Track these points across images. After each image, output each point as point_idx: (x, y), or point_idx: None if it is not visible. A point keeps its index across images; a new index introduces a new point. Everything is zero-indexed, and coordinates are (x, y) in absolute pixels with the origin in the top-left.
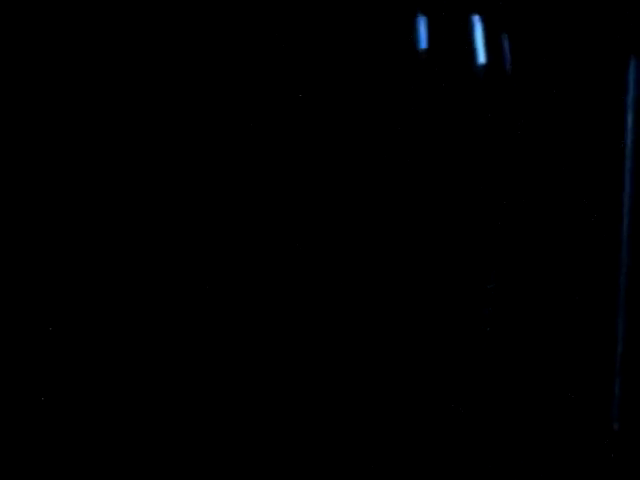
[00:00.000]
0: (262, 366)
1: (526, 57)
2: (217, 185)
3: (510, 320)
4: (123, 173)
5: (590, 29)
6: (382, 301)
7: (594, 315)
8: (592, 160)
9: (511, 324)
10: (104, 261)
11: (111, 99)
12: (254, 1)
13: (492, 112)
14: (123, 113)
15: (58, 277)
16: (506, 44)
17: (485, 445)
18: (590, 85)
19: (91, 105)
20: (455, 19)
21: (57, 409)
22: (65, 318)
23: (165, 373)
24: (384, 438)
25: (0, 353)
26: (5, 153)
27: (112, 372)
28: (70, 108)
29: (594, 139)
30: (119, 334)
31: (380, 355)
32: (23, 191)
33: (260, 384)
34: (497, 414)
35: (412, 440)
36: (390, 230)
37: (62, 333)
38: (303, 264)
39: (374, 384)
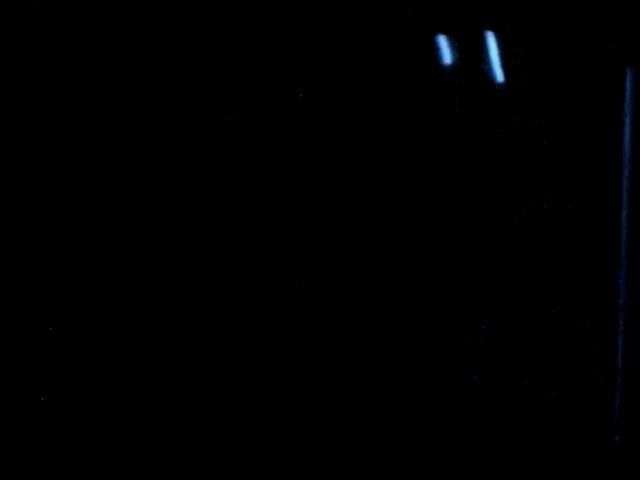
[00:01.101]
0: (262, 365)
1: (529, 70)
2: (222, 186)
3: (511, 332)
4: (123, 174)
5: (588, 41)
6: (378, 332)
7: (594, 330)
8: (591, 167)
9: (512, 336)
10: (104, 262)
11: (111, 100)
12: (278, 18)
13: (505, 122)
14: (123, 114)
15: (58, 277)
16: (520, 58)
17: (488, 457)
18: (590, 94)
19: (91, 105)
20: (471, 36)
21: (57, 409)
22: (65, 318)
23: (165, 372)
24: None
25: (0, 353)
26: (5, 153)
27: (112, 372)
28: (71, 108)
29: (593, 146)
30: (119, 334)
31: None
32: (23, 191)
33: (260, 383)
34: (499, 425)
35: (411, 454)
36: (391, 262)
37: (62, 333)
38: (292, 271)
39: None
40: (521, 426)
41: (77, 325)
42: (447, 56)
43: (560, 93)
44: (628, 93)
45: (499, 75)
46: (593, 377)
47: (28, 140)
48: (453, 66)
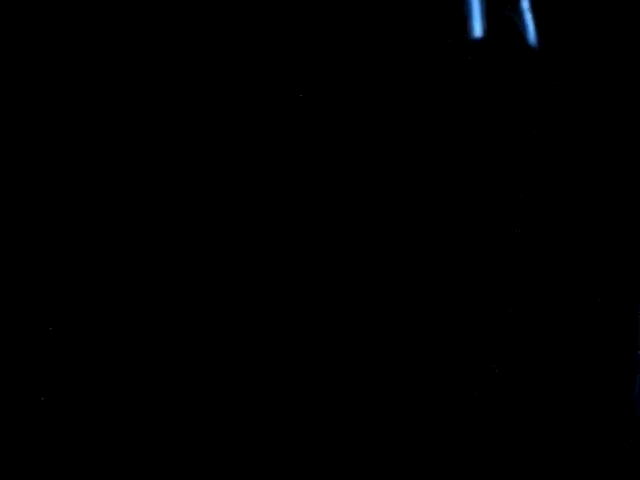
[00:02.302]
0: (262, 366)
1: (556, 40)
2: (219, 185)
3: (534, 306)
4: (123, 173)
5: (613, 16)
6: (402, 288)
7: (616, 303)
8: (616, 147)
9: (535, 310)
10: (104, 261)
11: (111, 99)
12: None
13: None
14: (123, 113)
15: (58, 277)
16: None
17: (509, 428)
18: (614, 71)
19: (91, 105)
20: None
21: (57, 409)
22: (65, 318)
23: (165, 373)
24: (398, 431)
25: (0, 353)
26: (5, 153)
27: (112, 372)
28: (70, 108)
29: (619, 124)
30: (119, 334)
31: (398, 342)
32: (23, 191)
33: (260, 384)
34: (520, 399)
35: (429, 436)
36: (417, 215)
37: (62, 333)
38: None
39: (392, 371)
40: (541, 401)
41: (77, 325)
42: (479, 20)
43: (586, 69)
44: None
45: (535, 40)
46: (615, 351)
47: (28, 140)
48: (486, 31)
